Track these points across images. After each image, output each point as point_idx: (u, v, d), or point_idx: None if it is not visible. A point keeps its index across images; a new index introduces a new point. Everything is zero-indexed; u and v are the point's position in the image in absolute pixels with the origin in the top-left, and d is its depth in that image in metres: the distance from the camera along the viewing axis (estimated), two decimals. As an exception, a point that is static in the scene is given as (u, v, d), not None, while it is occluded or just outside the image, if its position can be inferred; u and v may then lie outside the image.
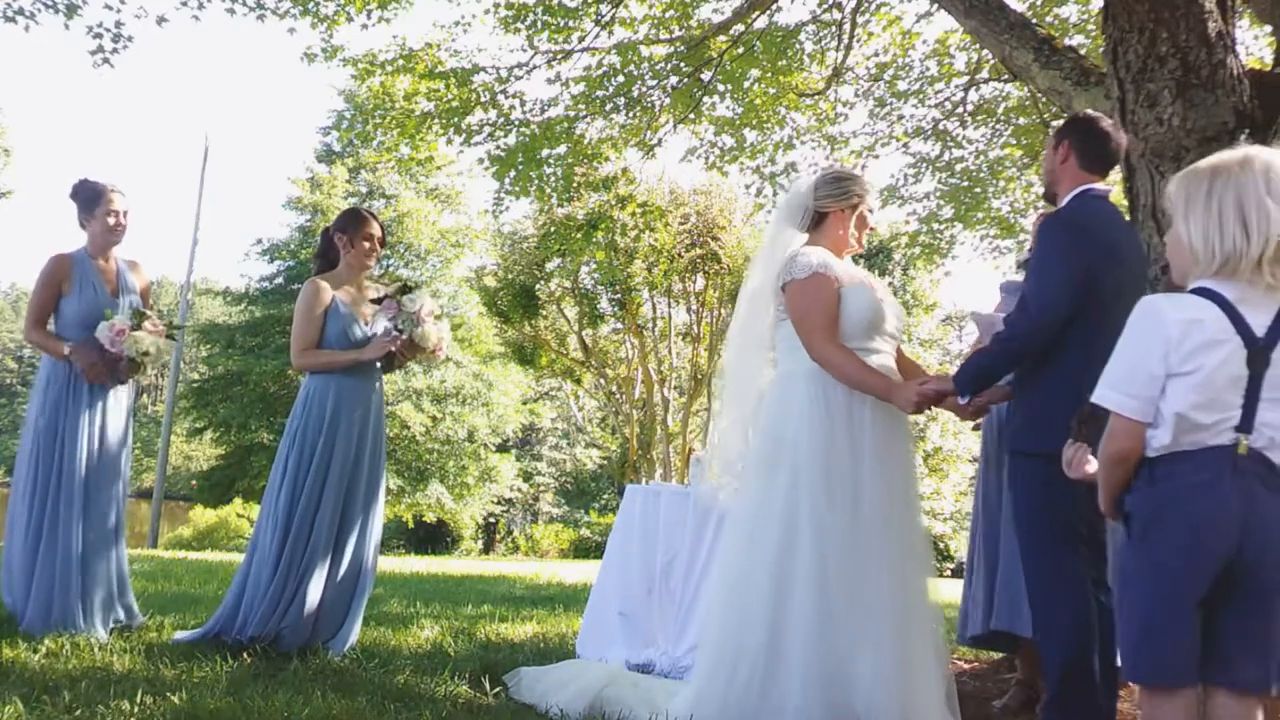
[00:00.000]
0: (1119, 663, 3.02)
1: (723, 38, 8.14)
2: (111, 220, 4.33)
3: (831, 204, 3.38)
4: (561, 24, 8.03)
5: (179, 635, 4.18)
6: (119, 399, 4.35)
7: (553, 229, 18.72)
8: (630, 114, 8.67)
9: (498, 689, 3.59)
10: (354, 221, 4.27)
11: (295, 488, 4.02)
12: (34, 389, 4.34)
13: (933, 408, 3.21)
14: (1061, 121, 3.43)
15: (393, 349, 4.15)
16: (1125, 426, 2.00)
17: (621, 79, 8.32)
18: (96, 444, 4.23)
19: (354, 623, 4.20)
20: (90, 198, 4.33)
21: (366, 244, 4.25)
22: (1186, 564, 1.94)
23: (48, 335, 4.31)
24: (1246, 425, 1.94)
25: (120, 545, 4.35)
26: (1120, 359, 2.03)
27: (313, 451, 4.04)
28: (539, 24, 8.02)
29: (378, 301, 4.18)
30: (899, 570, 3.09)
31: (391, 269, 26.94)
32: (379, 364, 4.25)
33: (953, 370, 3.17)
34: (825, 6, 8.41)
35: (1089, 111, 3.31)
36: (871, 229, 3.48)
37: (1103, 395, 2.02)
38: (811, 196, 3.41)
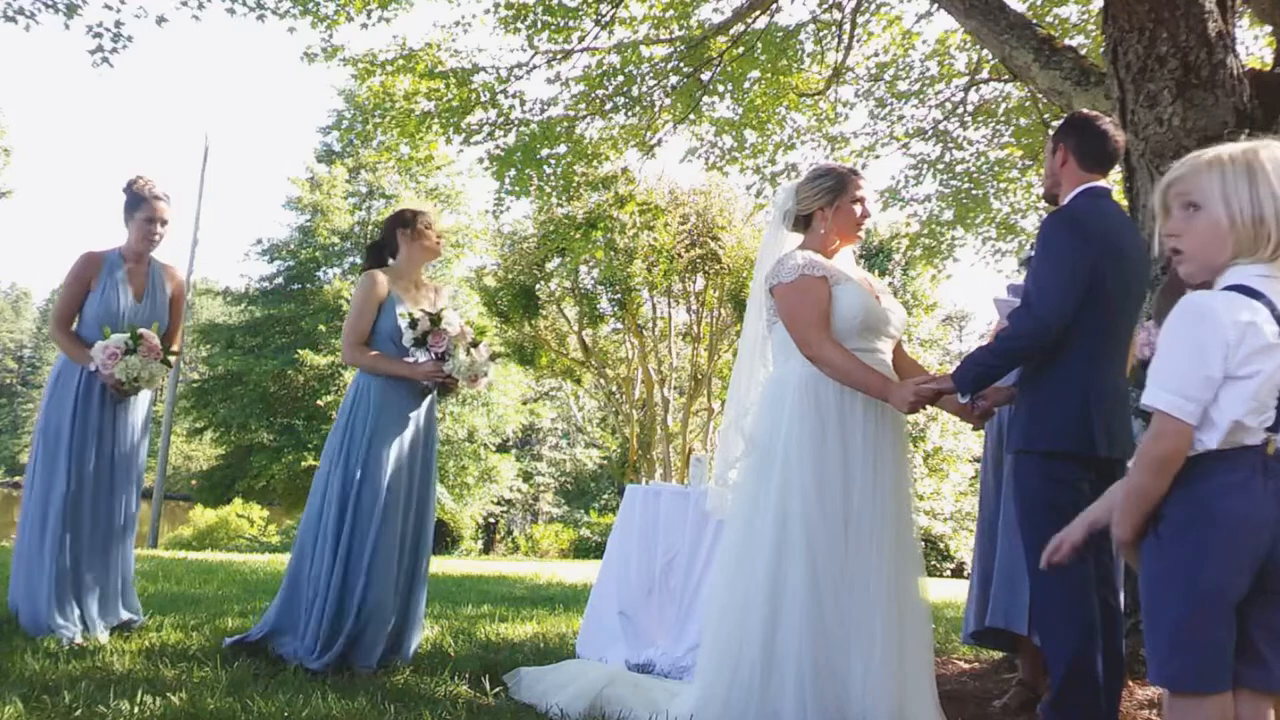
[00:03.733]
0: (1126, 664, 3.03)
1: (723, 38, 8.14)
2: (149, 227, 4.34)
3: (810, 205, 3.34)
4: (561, 24, 8.04)
5: (229, 640, 4.05)
6: (133, 402, 4.33)
7: (553, 227, 18.75)
8: (630, 114, 8.67)
9: (498, 689, 3.59)
10: (413, 213, 4.23)
11: (347, 495, 3.85)
12: (46, 387, 4.32)
13: (936, 408, 3.18)
14: (1059, 124, 3.41)
15: (441, 380, 4.01)
16: (1177, 429, 1.93)
17: (621, 79, 8.32)
18: (108, 445, 4.21)
19: (417, 631, 4.11)
20: (136, 201, 4.35)
21: (429, 230, 4.19)
22: (1226, 566, 1.89)
23: (72, 338, 4.27)
24: (1278, 425, 1.92)
25: (126, 546, 4.31)
26: (1173, 360, 1.95)
27: (366, 454, 3.89)
28: (539, 24, 8.02)
29: (420, 342, 3.98)
30: (891, 573, 3.07)
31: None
32: (433, 386, 4.10)
33: (952, 369, 3.15)
34: (825, 6, 8.42)
35: (1084, 111, 3.29)
36: (864, 217, 3.35)
37: (1156, 397, 1.94)
38: (793, 199, 3.38)
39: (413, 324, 3.99)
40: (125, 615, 4.33)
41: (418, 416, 4.07)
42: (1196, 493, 1.93)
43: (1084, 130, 3.14)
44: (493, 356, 4.28)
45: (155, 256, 4.46)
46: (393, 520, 3.90)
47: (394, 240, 4.21)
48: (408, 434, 4.01)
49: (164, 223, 4.39)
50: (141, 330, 4.22)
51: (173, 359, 4.33)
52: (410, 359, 4.03)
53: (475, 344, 4.09)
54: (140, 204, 4.34)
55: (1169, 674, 1.93)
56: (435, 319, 3.99)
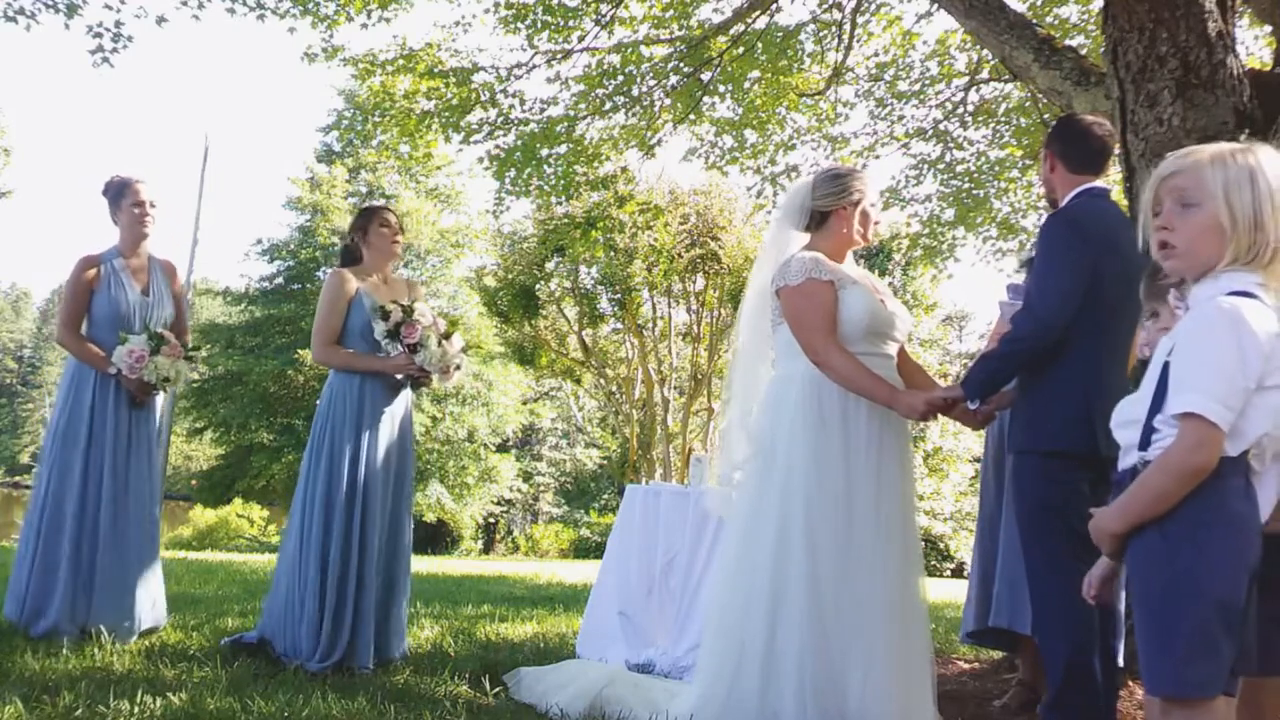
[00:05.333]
0: (1121, 663, 3.03)
1: (723, 38, 8.14)
2: (137, 210, 4.30)
3: (832, 202, 3.29)
4: (561, 24, 8.03)
5: (226, 639, 4.09)
6: (150, 406, 4.32)
7: (553, 225, 18.77)
8: (630, 114, 8.67)
9: (498, 689, 3.59)
10: (366, 216, 4.22)
11: (331, 496, 3.85)
12: (59, 389, 4.30)
13: (941, 416, 3.18)
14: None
15: (414, 373, 4.03)
16: (1216, 439, 1.87)
17: (621, 79, 8.31)
18: (125, 450, 4.19)
19: (402, 630, 4.12)
20: (117, 191, 4.32)
21: (385, 230, 4.16)
22: (1243, 568, 1.88)
23: (84, 343, 4.23)
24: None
25: (149, 552, 4.29)
26: (1211, 368, 1.89)
27: (345, 454, 3.88)
28: (539, 24, 8.02)
29: (394, 334, 3.99)
30: (894, 576, 3.06)
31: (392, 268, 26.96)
32: (406, 381, 4.12)
33: (954, 370, 3.15)
34: (825, 6, 8.41)
35: (1068, 114, 3.32)
36: (877, 223, 3.36)
37: (1207, 407, 1.87)
38: (810, 196, 3.33)
39: (384, 315, 3.99)
40: (149, 623, 4.27)
41: (394, 413, 4.07)
42: (1216, 496, 1.89)
43: (1064, 134, 3.19)
44: (465, 349, 4.29)
45: (150, 252, 4.42)
46: (374, 519, 3.91)
47: (356, 248, 4.21)
48: (384, 431, 4.01)
49: (153, 204, 4.34)
50: (159, 330, 4.23)
51: (196, 355, 4.33)
52: (382, 353, 4.02)
53: (448, 335, 4.08)
54: (125, 190, 4.30)
55: (1187, 679, 1.87)
56: (408, 310, 4.00)
